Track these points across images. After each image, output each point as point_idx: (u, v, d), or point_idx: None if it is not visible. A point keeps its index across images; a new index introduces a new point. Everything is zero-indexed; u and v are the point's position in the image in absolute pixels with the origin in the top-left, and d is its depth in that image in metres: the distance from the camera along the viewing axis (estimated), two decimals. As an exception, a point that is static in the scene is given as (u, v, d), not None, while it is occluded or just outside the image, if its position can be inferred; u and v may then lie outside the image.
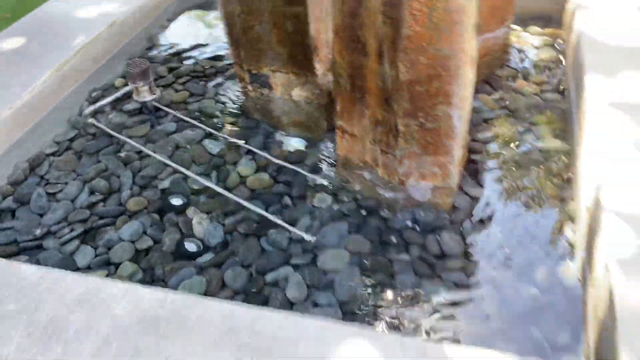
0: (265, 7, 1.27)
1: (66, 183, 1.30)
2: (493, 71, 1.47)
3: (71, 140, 1.42)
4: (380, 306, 0.97)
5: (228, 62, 1.66)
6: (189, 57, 1.71)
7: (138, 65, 1.43)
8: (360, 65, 1.04)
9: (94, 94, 1.55)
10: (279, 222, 1.14)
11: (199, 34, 1.86)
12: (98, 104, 1.49)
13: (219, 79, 1.61)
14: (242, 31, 1.34)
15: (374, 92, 1.05)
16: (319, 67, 1.33)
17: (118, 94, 1.52)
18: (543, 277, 0.98)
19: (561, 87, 1.41)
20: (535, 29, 1.64)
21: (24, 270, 0.93)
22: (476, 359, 0.75)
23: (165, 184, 1.27)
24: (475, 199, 1.14)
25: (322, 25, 1.28)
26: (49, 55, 1.51)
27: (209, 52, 1.74)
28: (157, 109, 1.48)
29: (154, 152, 1.34)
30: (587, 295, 0.92)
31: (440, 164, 1.08)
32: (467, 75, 0.99)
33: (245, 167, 1.30)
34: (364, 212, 1.15)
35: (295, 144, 1.36)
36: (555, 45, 1.58)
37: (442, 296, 0.97)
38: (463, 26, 0.92)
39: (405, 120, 1.03)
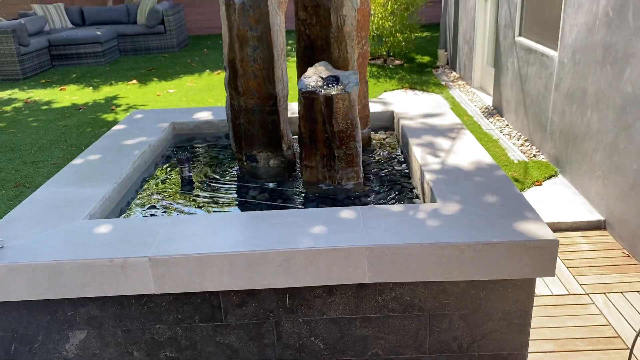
0: (257, 118, 2.57)
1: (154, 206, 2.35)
2: (365, 148, 2.89)
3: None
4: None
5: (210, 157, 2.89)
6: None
7: (184, 156, 2.60)
8: (314, 129, 2.36)
9: (146, 178, 2.65)
10: (281, 204, 2.32)
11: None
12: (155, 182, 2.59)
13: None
14: (243, 133, 2.61)
15: (321, 141, 2.37)
16: (284, 146, 2.62)
17: (163, 177, 2.65)
18: (408, 201, 2.28)
19: (398, 150, 2.86)
20: (380, 133, 3.14)
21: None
22: (393, 210, 1.98)
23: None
24: (372, 187, 2.45)
25: (285, 125, 2.60)
26: (121, 161, 2.62)
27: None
28: (192, 180, 2.63)
29: (197, 196, 2.47)
30: (424, 200, 2.23)
31: (355, 171, 2.39)
32: (360, 127, 2.36)
33: (253, 193, 2.48)
34: (322, 199, 2.38)
35: (272, 185, 2.58)
36: (391, 136, 3.07)
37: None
38: (355, 107, 2.31)
39: (338, 151, 2.34)
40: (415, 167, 2.46)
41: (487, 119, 5.66)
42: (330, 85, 2.34)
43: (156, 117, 3.34)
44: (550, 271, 1.74)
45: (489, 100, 6.18)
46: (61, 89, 7.21)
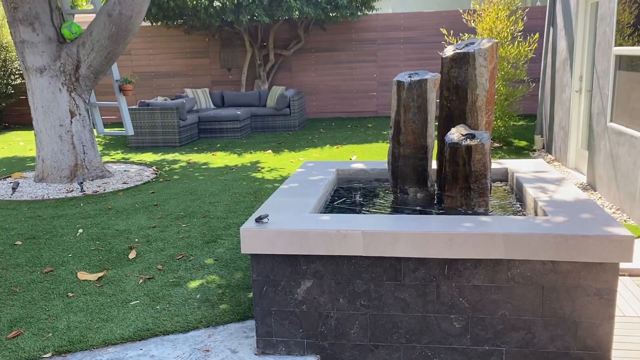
0: (411, 162, 3.65)
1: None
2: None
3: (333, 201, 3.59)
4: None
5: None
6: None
7: (357, 186, 3.71)
8: (457, 169, 3.40)
9: (327, 200, 3.77)
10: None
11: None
12: (337, 202, 3.71)
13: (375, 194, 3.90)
14: (400, 173, 3.69)
15: (461, 178, 3.39)
16: (429, 183, 3.65)
17: (340, 201, 3.76)
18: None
19: (512, 195, 3.81)
20: (497, 183, 4.11)
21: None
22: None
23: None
24: (497, 213, 3.41)
25: (430, 168, 3.65)
26: (314, 187, 3.77)
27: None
28: (363, 203, 3.71)
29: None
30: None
31: (485, 200, 3.37)
32: (489, 169, 3.37)
33: (407, 212, 3.51)
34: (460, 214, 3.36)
35: (419, 208, 3.60)
36: (505, 185, 4.02)
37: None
38: (487, 154, 3.33)
39: (473, 184, 3.35)
40: (529, 201, 3.40)
41: (582, 193, 6.42)
42: (468, 139, 3.40)
43: (323, 165, 4.52)
44: (628, 258, 2.60)
45: (583, 179, 6.95)
46: (213, 154, 8.80)
